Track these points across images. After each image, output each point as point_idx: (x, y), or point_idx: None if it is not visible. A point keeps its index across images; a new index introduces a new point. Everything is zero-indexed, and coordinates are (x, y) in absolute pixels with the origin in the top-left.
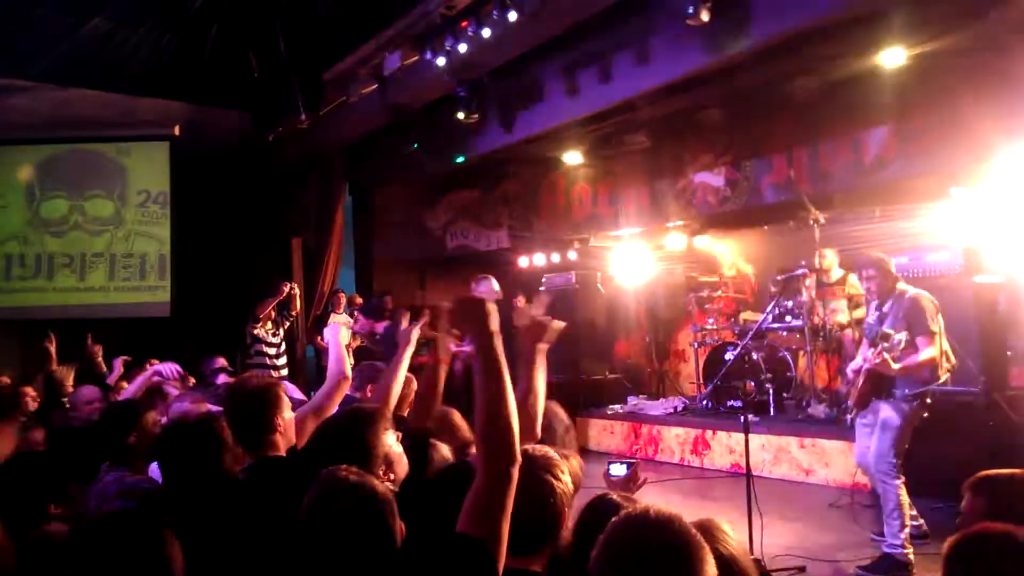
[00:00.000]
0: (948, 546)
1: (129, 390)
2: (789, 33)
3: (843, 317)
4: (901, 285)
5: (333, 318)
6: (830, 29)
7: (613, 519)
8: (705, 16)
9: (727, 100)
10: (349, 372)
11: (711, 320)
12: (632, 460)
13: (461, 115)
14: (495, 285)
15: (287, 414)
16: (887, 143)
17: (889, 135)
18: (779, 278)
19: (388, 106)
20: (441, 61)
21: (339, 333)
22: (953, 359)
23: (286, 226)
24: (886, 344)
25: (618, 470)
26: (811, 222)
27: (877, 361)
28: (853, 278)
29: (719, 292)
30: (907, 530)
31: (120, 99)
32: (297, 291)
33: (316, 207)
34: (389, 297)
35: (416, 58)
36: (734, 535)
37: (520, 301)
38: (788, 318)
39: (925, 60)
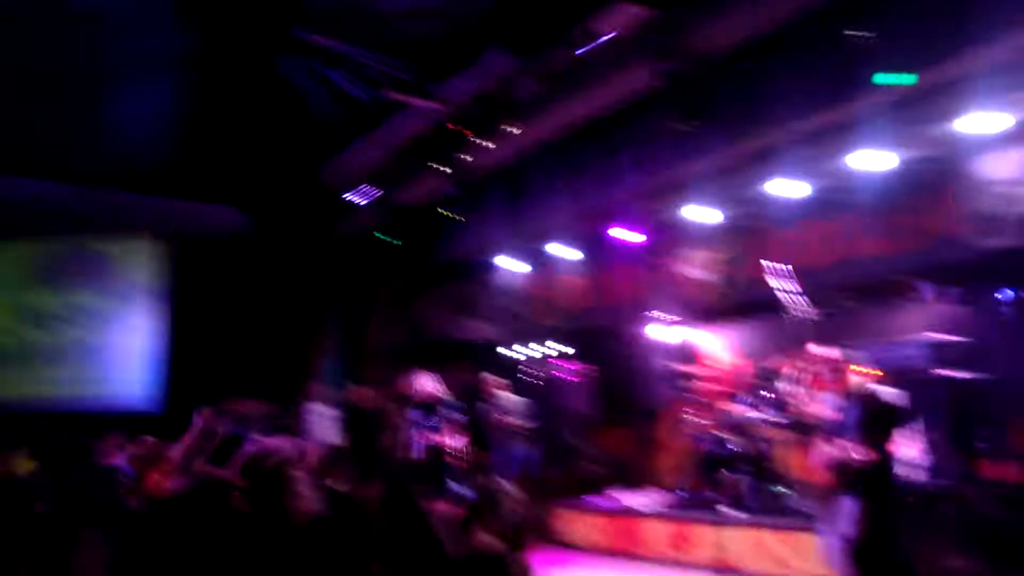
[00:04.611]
0: None
1: None
2: (773, 140)
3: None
4: (861, 381)
5: (317, 409)
6: (813, 134)
7: None
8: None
9: (715, 198)
10: None
11: (695, 411)
12: None
13: (455, 215)
14: (428, 381)
15: None
16: (869, 241)
17: (871, 233)
18: (754, 372)
19: (384, 205)
20: (435, 165)
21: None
22: (911, 453)
23: (283, 322)
24: (856, 438)
25: None
26: (792, 317)
27: (844, 453)
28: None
29: (703, 383)
30: None
31: (116, 196)
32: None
33: (313, 304)
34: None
35: (413, 160)
36: None
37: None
38: (769, 410)
39: (903, 164)
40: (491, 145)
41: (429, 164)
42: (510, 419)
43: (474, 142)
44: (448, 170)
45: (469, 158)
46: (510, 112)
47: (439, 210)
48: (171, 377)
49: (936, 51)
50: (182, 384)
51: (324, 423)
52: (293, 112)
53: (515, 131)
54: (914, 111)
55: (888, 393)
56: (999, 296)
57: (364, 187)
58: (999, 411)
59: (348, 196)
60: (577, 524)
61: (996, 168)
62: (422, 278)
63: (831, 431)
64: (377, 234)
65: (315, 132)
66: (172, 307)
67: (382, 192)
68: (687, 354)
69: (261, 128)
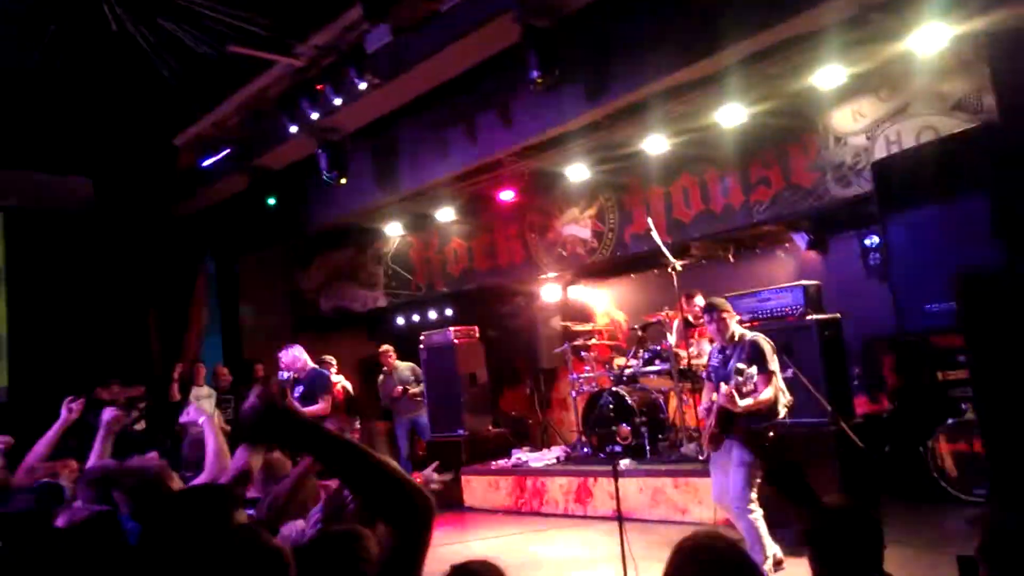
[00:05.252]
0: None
1: None
2: (636, 96)
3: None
4: (740, 328)
5: (195, 392)
6: (677, 90)
7: None
8: (546, 82)
9: (588, 156)
10: (229, 465)
11: (588, 368)
12: None
13: (325, 176)
14: (300, 352)
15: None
16: (733, 193)
17: (734, 186)
18: (637, 326)
19: (246, 169)
20: (297, 124)
21: (211, 422)
22: (789, 395)
23: (140, 297)
24: (740, 379)
25: None
26: (669, 269)
27: (726, 398)
28: None
29: (593, 340)
30: (770, 561)
31: None
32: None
33: (173, 276)
34: (260, 365)
35: (273, 120)
36: None
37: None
38: (657, 361)
39: (760, 118)
40: (356, 103)
41: (291, 124)
42: (410, 388)
43: (338, 100)
44: (312, 130)
45: (334, 117)
46: (374, 68)
47: (315, 172)
48: (21, 362)
49: (789, 5)
50: (34, 370)
51: (203, 405)
52: (139, 73)
53: (380, 88)
54: (770, 65)
55: (766, 338)
56: (863, 240)
57: (223, 151)
58: (869, 350)
59: (206, 162)
60: (483, 488)
61: (846, 119)
62: (300, 247)
63: (715, 378)
64: (269, 201)
65: (165, 93)
66: (19, 286)
67: (243, 156)
68: (577, 312)
69: (104, 91)
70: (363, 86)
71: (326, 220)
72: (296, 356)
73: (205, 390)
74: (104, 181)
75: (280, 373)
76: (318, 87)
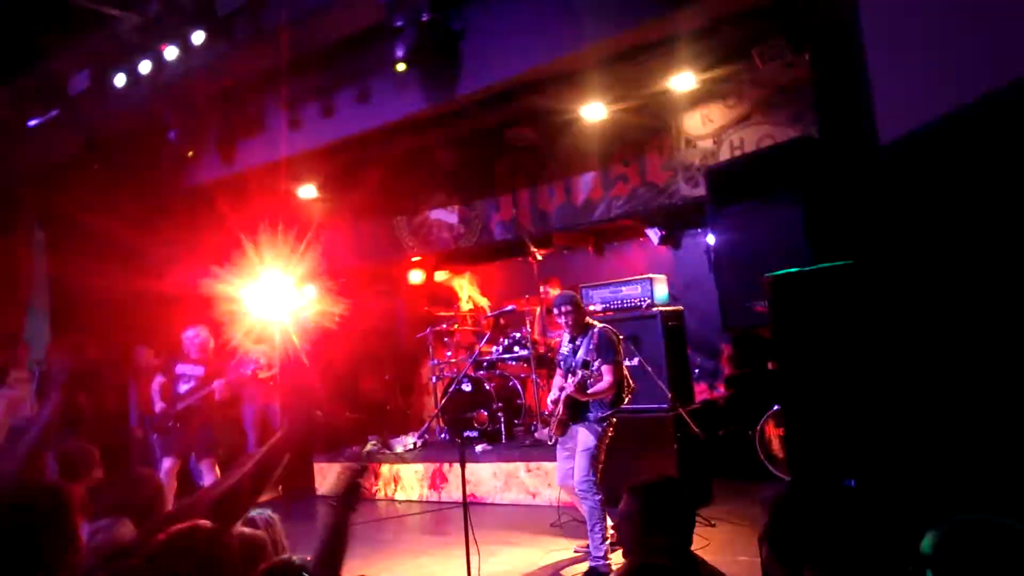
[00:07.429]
0: None
1: None
2: (500, 85)
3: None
4: (590, 320)
5: (14, 375)
6: (540, 83)
7: None
8: (401, 67)
9: (456, 142)
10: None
11: (450, 353)
12: None
13: (172, 141)
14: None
15: None
16: (594, 188)
17: (595, 181)
18: (494, 313)
19: (82, 130)
20: (130, 82)
21: None
22: (632, 383)
23: None
24: (586, 372)
25: None
26: (530, 259)
27: (573, 389)
28: None
29: (456, 325)
30: (608, 542)
31: None
32: None
33: None
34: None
35: (112, 79)
36: None
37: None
38: (516, 348)
39: (621, 116)
40: (206, 67)
41: (130, 83)
42: (264, 372)
43: (177, 58)
44: (158, 92)
45: (182, 80)
46: (227, 31)
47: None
48: None
49: (643, 9)
50: None
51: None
52: None
53: (234, 53)
54: (628, 67)
55: (614, 329)
56: (706, 238)
57: (53, 111)
58: (710, 341)
59: (32, 122)
60: (336, 475)
61: (696, 124)
62: (150, 213)
63: (564, 367)
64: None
65: None
66: None
67: (78, 117)
68: (441, 297)
69: None
70: (199, 39)
71: (174, 189)
72: (205, 338)
73: (25, 373)
74: None
75: (183, 367)
76: (162, 47)
